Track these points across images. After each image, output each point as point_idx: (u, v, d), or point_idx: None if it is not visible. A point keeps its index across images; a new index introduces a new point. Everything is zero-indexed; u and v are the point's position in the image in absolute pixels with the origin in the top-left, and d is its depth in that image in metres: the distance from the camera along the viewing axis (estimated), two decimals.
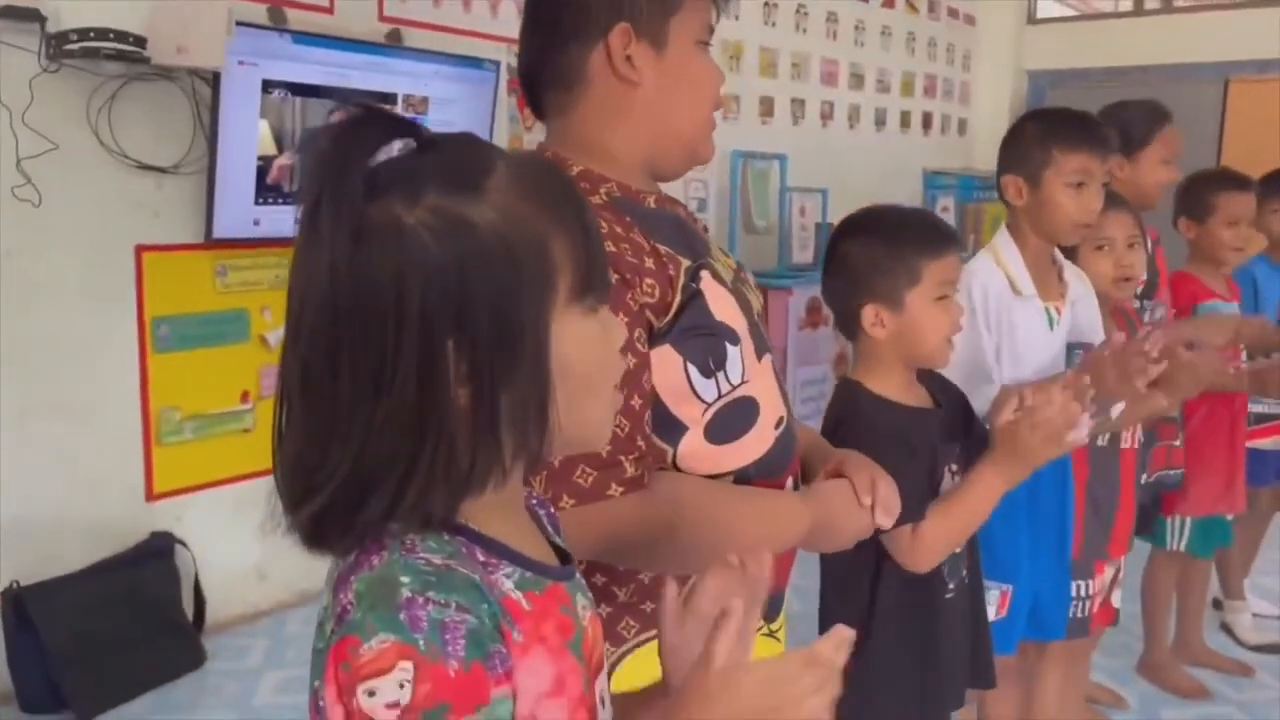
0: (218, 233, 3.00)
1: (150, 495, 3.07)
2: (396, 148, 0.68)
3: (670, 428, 1.07)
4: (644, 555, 1.05)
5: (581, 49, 1.10)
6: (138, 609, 2.88)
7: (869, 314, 1.48)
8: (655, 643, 0.88)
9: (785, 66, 5.26)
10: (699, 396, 1.07)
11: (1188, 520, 2.74)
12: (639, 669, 1.06)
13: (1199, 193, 2.64)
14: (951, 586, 1.53)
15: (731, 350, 1.08)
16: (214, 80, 2.86)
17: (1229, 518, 2.81)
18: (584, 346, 0.71)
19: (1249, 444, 2.91)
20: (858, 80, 5.78)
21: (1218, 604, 3.28)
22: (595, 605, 0.82)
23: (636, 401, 1.02)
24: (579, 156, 1.11)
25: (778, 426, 1.16)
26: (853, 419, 1.49)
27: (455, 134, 0.71)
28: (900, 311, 1.46)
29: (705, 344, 1.06)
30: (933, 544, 1.44)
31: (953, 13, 6.55)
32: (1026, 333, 1.85)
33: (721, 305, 1.10)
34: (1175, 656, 2.96)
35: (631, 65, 1.10)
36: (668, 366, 1.05)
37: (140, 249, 2.98)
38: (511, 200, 0.68)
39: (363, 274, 0.64)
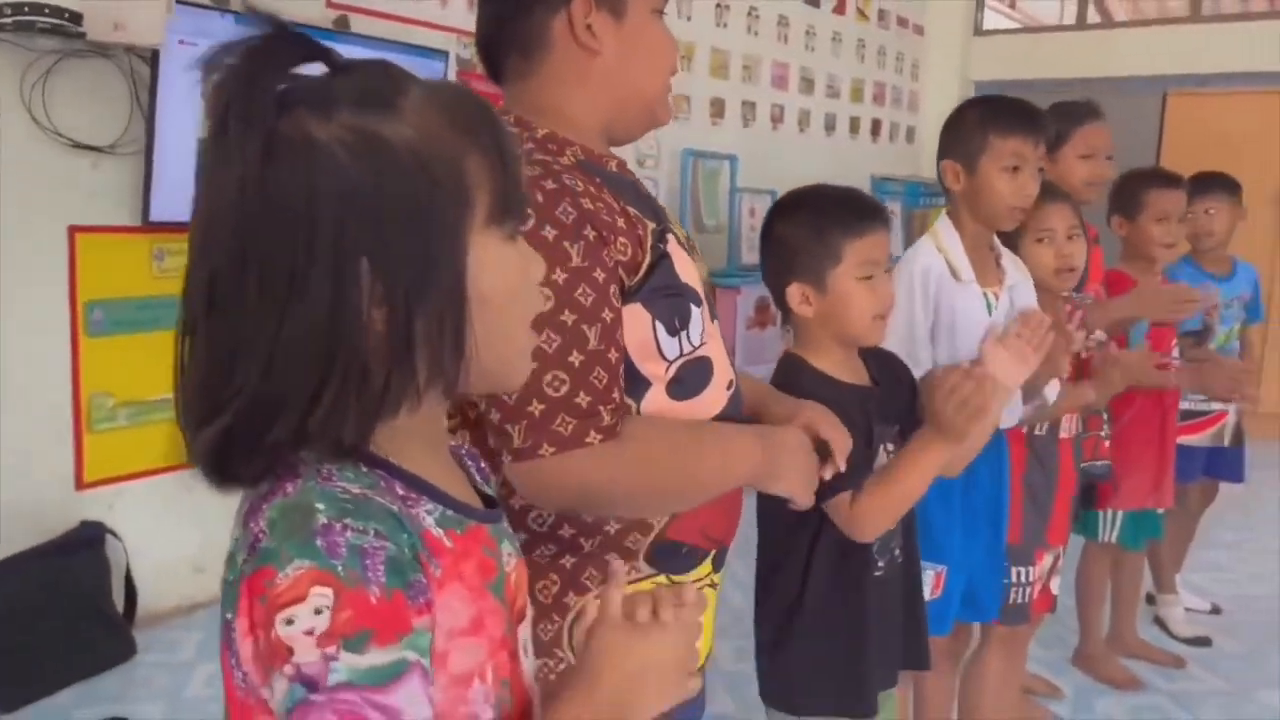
0: (155, 215, 2.94)
1: (80, 483, 2.99)
2: (308, 70, 0.67)
3: (636, 384, 1.10)
4: (619, 502, 1.08)
5: (544, 16, 1.13)
6: (65, 599, 2.80)
7: (795, 294, 1.49)
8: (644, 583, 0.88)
9: (736, 68, 5.29)
10: (663, 354, 1.10)
11: (1119, 513, 2.79)
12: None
13: (1130, 190, 2.69)
14: (880, 565, 1.54)
15: (695, 311, 1.12)
16: (152, 59, 2.80)
17: (1159, 511, 2.86)
18: (502, 273, 0.70)
19: (1177, 440, 2.97)
20: (808, 85, 5.84)
21: (1151, 599, 3.34)
22: (523, 553, 0.81)
23: (614, 355, 1.04)
24: (542, 120, 1.13)
25: (729, 388, 1.19)
26: (793, 391, 1.49)
27: (369, 59, 0.70)
28: (825, 291, 1.48)
29: (672, 304, 1.10)
30: (868, 514, 1.45)
31: (902, 22, 6.64)
32: (965, 317, 1.87)
33: (685, 268, 1.13)
34: (1110, 648, 3.00)
35: (592, 33, 1.13)
36: (636, 324, 1.08)
37: (74, 230, 2.91)
38: (427, 119, 0.67)
39: (274, 188, 0.63)
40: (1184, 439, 2.97)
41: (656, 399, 1.11)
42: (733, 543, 1.28)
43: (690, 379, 1.13)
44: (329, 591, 0.59)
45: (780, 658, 1.54)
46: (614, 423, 1.04)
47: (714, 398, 1.16)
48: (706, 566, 1.21)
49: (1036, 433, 2.10)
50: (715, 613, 1.30)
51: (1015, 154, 1.86)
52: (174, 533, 3.01)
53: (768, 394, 1.40)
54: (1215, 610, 3.39)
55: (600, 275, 1.03)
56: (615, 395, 1.05)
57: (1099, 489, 2.73)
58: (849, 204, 1.51)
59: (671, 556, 1.16)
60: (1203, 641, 3.17)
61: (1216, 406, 3.07)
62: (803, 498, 1.26)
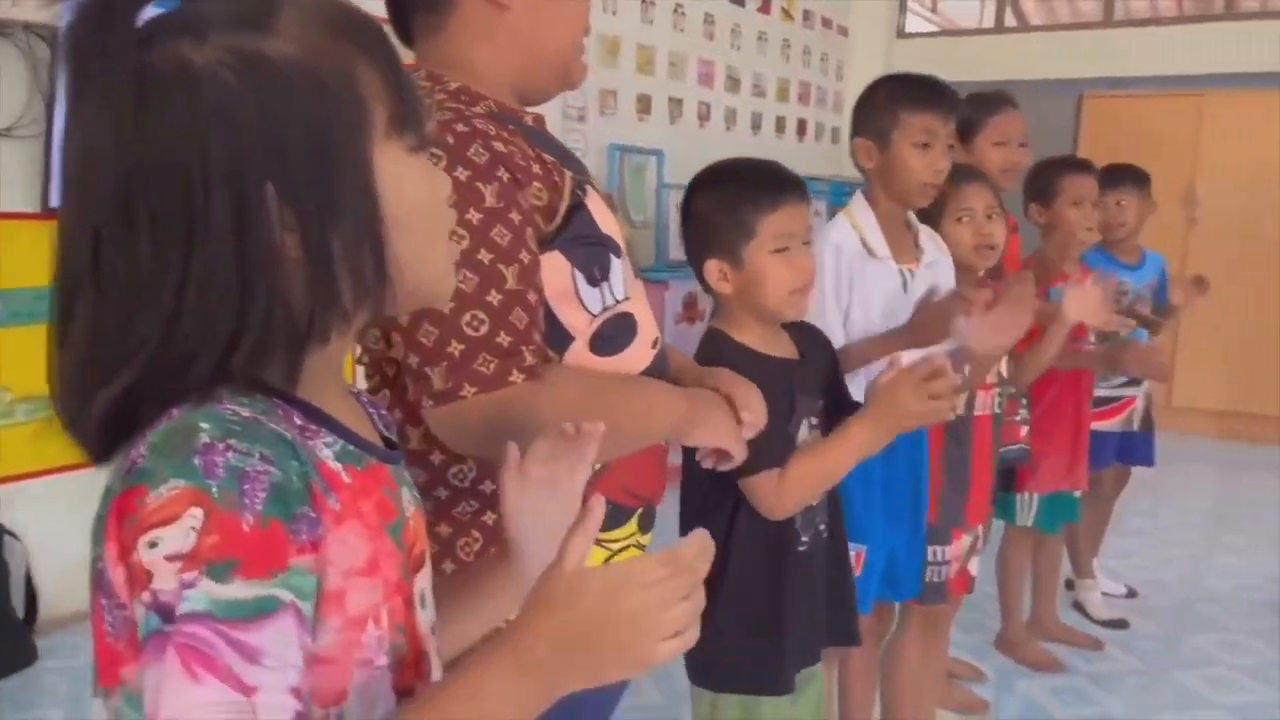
0: (56, 202, 2.81)
1: None
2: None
3: (558, 335, 1.08)
4: None
5: None
6: None
7: (713, 269, 1.48)
8: None
9: (663, 65, 5.28)
10: (585, 306, 1.09)
11: (1035, 496, 2.83)
12: None
13: (1045, 177, 2.74)
14: (805, 540, 1.52)
15: (615, 263, 1.11)
16: (51, 38, 2.69)
17: (1076, 495, 2.92)
18: (411, 186, 0.67)
19: (1090, 426, 3.03)
20: (734, 83, 5.86)
21: (1070, 584, 3.40)
22: (426, 494, 0.77)
23: (533, 296, 1.03)
24: (454, 74, 1.11)
25: (654, 346, 1.18)
26: (716, 365, 1.48)
27: None
28: (741, 267, 1.46)
29: (592, 253, 1.09)
30: (796, 490, 1.44)
31: (826, 23, 6.71)
32: (880, 293, 1.87)
33: (605, 220, 1.13)
34: (1030, 632, 3.05)
35: None
36: (556, 272, 1.06)
37: None
38: (307, 33, 0.63)
39: (154, 126, 0.59)
40: (1096, 425, 3.02)
41: (579, 353, 1.10)
42: (660, 504, 1.26)
43: (614, 334, 1.12)
44: (199, 513, 0.55)
45: (702, 634, 1.51)
46: (536, 364, 1.02)
47: (638, 355, 1.15)
48: (631, 526, 1.19)
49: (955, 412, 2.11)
50: None
51: (926, 130, 1.87)
52: (77, 534, 2.86)
53: (682, 360, 1.38)
54: (1131, 594, 3.47)
55: (516, 217, 1.01)
56: (536, 337, 1.03)
57: (1017, 473, 2.77)
58: (763, 178, 1.49)
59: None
60: (1119, 624, 3.24)
61: (1127, 392, 3.14)
62: (735, 449, 1.23)
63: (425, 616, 0.74)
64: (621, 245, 1.15)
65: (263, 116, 0.60)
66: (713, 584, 1.49)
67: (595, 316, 1.10)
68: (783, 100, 6.33)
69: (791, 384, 1.51)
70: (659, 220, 4.91)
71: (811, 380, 1.55)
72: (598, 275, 1.09)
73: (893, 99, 1.90)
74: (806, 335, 1.60)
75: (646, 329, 1.17)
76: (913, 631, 2.19)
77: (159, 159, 0.59)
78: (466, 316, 0.98)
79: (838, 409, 1.59)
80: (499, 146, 1.02)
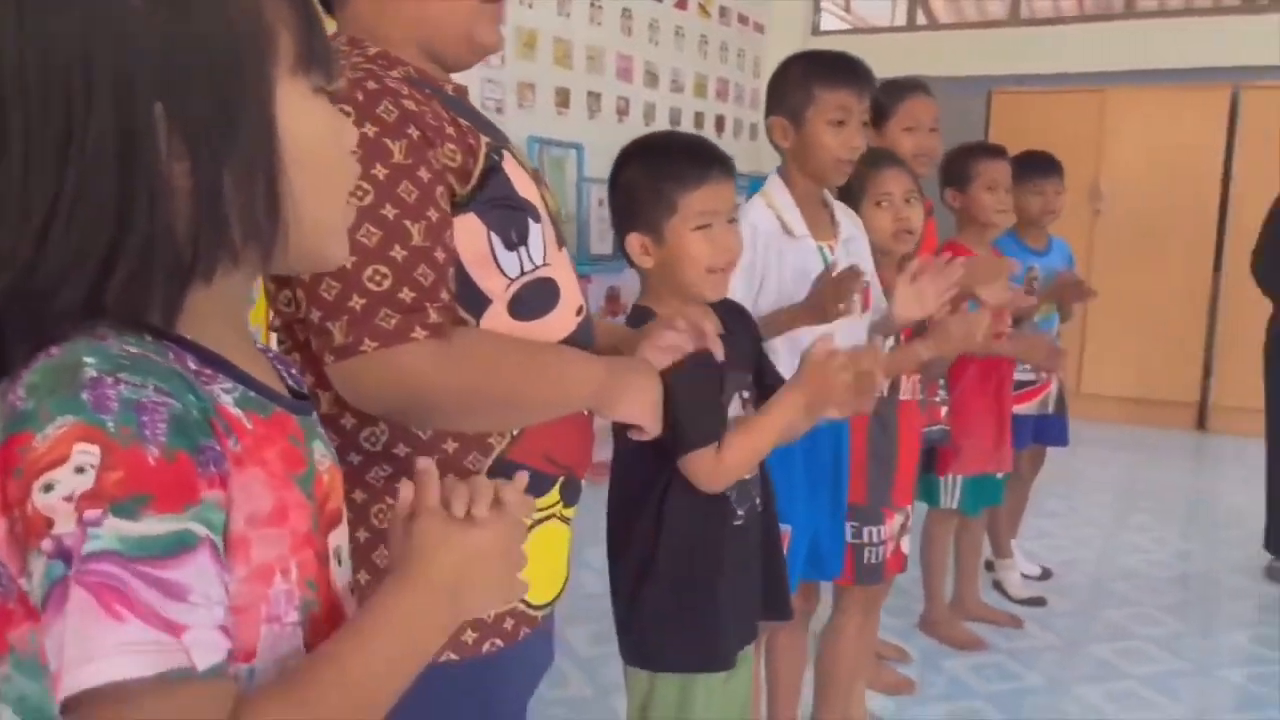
0: None
1: None
2: None
3: (474, 299, 1.07)
4: (446, 406, 1.02)
5: None
6: None
7: (634, 243, 1.47)
8: None
9: (581, 59, 5.25)
10: (502, 270, 1.08)
11: (959, 479, 2.88)
12: None
13: (959, 162, 2.80)
14: (740, 514, 1.52)
15: (534, 227, 1.10)
16: None
17: (999, 476, 2.98)
18: (314, 129, 0.64)
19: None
20: (653, 78, 5.86)
21: (989, 565, 3.47)
22: (339, 459, 0.74)
23: (441, 254, 1.01)
24: (374, 41, 1.10)
25: (579, 314, 1.17)
26: None
27: None
28: (661, 242, 1.45)
29: (508, 216, 1.08)
30: (734, 464, 1.43)
31: (743, 20, 6.76)
32: (799, 272, 1.88)
33: (523, 184, 1.11)
34: (953, 612, 3.10)
35: None
36: (472, 234, 1.05)
37: None
38: None
39: (38, 27, 0.55)
40: (1016, 408, 3.09)
41: (497, 317, 1.08)
42: (585, 476, 1.24)
43: (534, 299, 1.10)
44: (94, 449, 0.51)
45: (637, 613, 1.50)
46: (442, 322, 1.00)
47: (560, 321, 1.14)
48: (554, 495, 1.17)
49: (878, 394, 2.13)
50: (569, 549, 1.26)
51: (840, 107, 1.87)
52: None
53: (616, 329, 1.37)
54: (1046, 575, 3.55)
55: (425, 174, 1.00)
56: (443, 296, 1.01)
57: (939, 455, 2.81)
58: (689, 153, 1.47)
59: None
60: (1037, 602, 3.32)
61: (1043, 376, 3.22)
62: (650, 425, 1.23)
63: (341, 574, 0.72)
64: (543, 211, 1.13)
65: (158, 31, 0.57)
66: (647, 564, 1.49)
67: (513, 280, 1.08)
68: (701, 96, 6.35)
69: (724, 359, 1.50)
70: (580, 214, 4.88)
71: (739, 354, 1.54)
72: (515, 239, 1.08)
73: (806, 76, 1.90)
74: (729, 311, 1.59)
75: (570, 296, 1.16)
76: (851, 612, 2.20)
77: (40, 62, 0.55)
78: (369, 271, 0.96)
79: (763, 384, 1.59)
80: (410, 105, 1.01)
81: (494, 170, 1.07)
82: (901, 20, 7.42)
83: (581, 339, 1.17)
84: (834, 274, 1.75)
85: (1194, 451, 5.73)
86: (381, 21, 1.11)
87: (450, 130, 1.04)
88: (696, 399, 1.42)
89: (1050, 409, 3.30)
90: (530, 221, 1.10)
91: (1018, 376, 3.13)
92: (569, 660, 2.83)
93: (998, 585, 3.41)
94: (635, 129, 5.69)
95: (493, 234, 1.06)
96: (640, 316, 1.50)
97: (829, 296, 1.73)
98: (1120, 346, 6.00)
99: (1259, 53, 5.95)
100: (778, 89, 1.96)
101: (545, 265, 1.11)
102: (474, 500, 0.69)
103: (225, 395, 0.61)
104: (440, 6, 1.12)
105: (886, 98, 2.57)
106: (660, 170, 1.45)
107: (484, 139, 1.08)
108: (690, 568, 1.47)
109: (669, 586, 1.46)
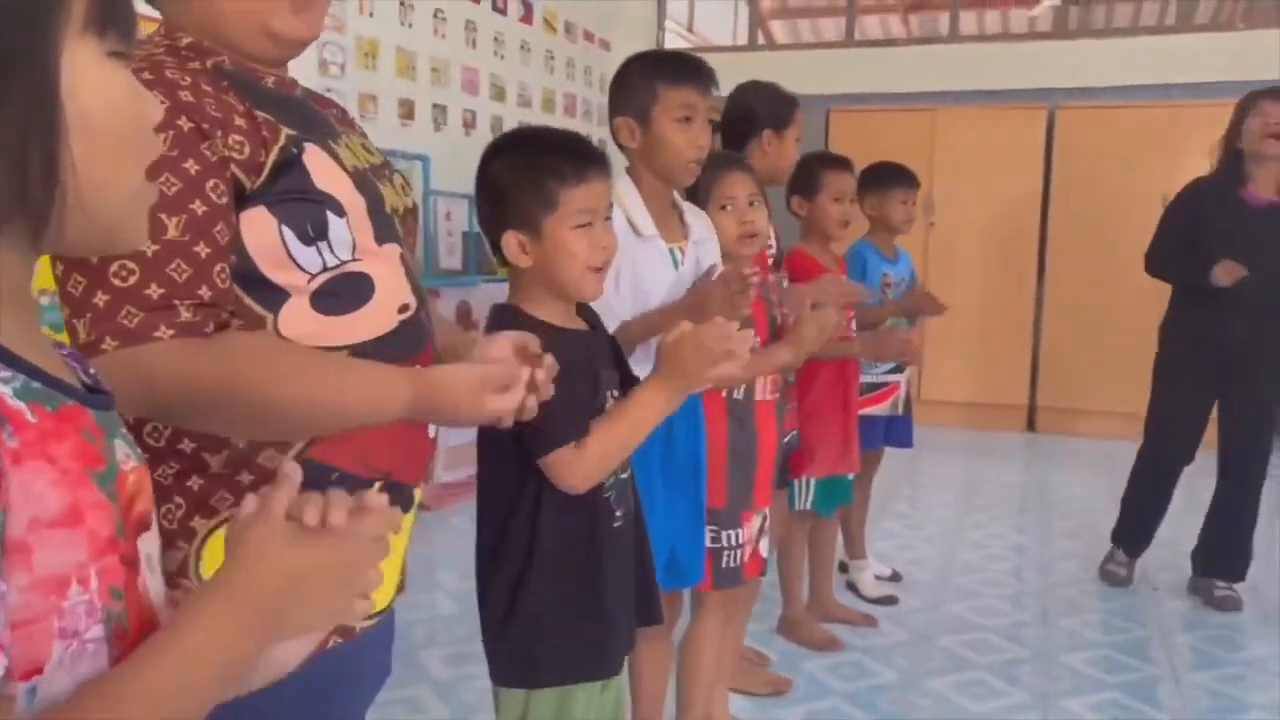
0: None
1: None
2: None
3: (269, 294, 1.04)
4: (200, 409, 0.95)
5: None
6: None
7: (511, 242, 1.41)
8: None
9: (425, 70, 5.15)
10: (299, 265, 1.04)
11: (812, 481, 2.93)
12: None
13: (809, 171, 2.85)
14: (619, 514, 1.48)
15: (335, 221, 1.06)
16: None
17: (850, 477, 3.04)
18: (106, 96, 0.58)
19: (861, 411, 3.18)
20: (499, 91, 5.80)
21: (843, 567, 3.55)
22: (144, 459, 0.67)
23: (204, 250, 0.97)
24: (189, 31, 1.08)
25: (402, 311, 1.13)
26: None
27: None
28: (540, 240, 1.41)
29: (302, 209, 1.04)
30: (597, 459, 1.39)
31: (589, 36, 6.78)
32: (651, 273, 1.86)
33: (327, 178, 1.07)
34: (810, 614, 3.15)
35: None
36: (262, 228, 1.03)
37: None
38: None
39: None
40: (868, 410, 3.19)
41: (298, 311, 1.05)
42: (419, 483, 1.19)
43: (342, 293, 1.07)
44: None
45: (513, 631, 1.43)
46: (197, 321, 0.96)
47: (375, 318, 1.09)
48: None
49: (735, 396, 2.14)
50: (403, 558, 1.22)
51: (686, 104, 1.86)
52: None
53: (462, 345, 1.29)
54: (896, 577, 3.64)
55: (193, 167, 0.97)
56: (203, 294, 0.97)
57: (792, 459, 2.85)
58: (568, 149, 1.43)
59: (318, 483, 1.01)
60: (889, 600, 3.41)
61: (892, 379, 3.32)
62: (486, 415, 1.12)
63: (154, 583, 0.65)
64: (358, 204, 1.08)
65: None
66: (522, 575, 1.42)
67: (314, 275, 1.04)
68: (549, 111, 6.33)
69: (593, 357, 1.47)
70: (427, 228, 4.77)
71: (606, 352, 1.52)
72: (311, 233, 1.04)
73: (650, 75, 1.88)
74: (584, 309, 1.56)
75: (390, 292, 1.11)
76: (710, 618, 2.19)
77: None
78: (114, 266, 0.93)
79: (627, 382, 1.56)
80: (186, 96, 0.98)
81: (290, 163, 1.03)
82: (743, 40, 7.61)
83: (405, 338, 1.12)
84: (715, 276, 1.74)
85: (1025, 451, 6.03)
86: (181, 12, 1.09)
87: (241, 122, 1.02)
88: (556, 396, 1.38)
89: (900, 410, 3.40)
90: (330, 215, 1.05)
91: (868, 379, 3.23)
92: (426, 685, 2.73)
93: (851, 586, 3.48)
94: (483, 142, 5.59)
95: (284, 227, 1.03)
96: (505, 317, 1.44)
97: (719, 302, 1.70)
98: (955, 353, 6.28)
99: (1072, 75, 6.38)
100: (621, 89, 1.93)
101: (355, 260, 1.07)
102: (329, 510, 0.64)
103: (3, 386, 0.54)
104: (228, 5, 1.07)
105: (783, 105, 2.58)
106: (539, 165, 1.40)
107: (285, 132, 1.05)
108: (572, 573, 1.42)
109: (548, 596, 1.41)
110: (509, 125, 5.86)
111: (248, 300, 1.03)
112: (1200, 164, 6.01)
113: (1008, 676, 2.87)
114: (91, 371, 0.69)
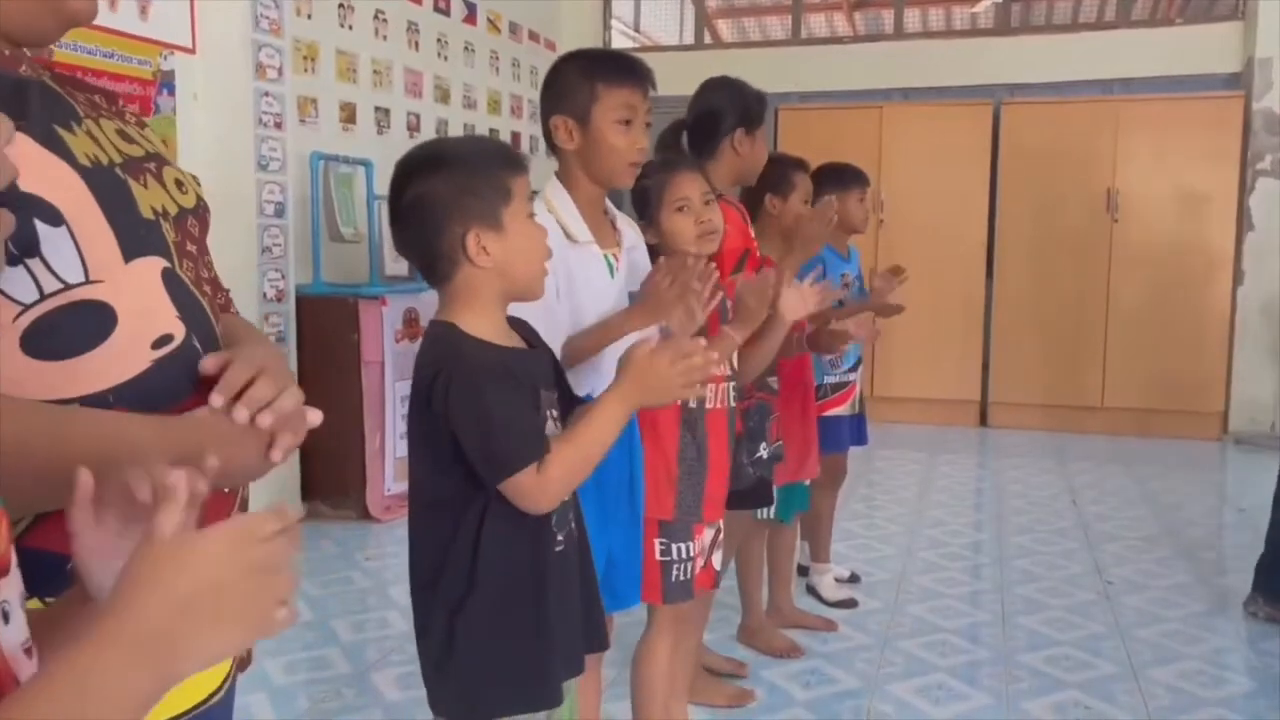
0: None
1: None
2: None
3: None
4: None
5: None
6: None
7: (473, 242, 1.35)
8: None
9: (366, 73, 5.04)
10: (5, 294, 0.83)
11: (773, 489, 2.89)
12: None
13: (784, 171, 2.84)
14: (560, 538, 1.42)
15: (49, 232, 0.85)
16: None
17: (806, 483, 3.01)
18: None
19: (826, 413, 3.16)
20: (444, 93, 5.70)
21: (802, 570, 3.51)
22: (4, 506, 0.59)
23: None
24: None
25: (159, 346, 0.92)
26: (455, 359, 1.35)
27: None
28: (502, 232, 1.36)
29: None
30: (560, 478, 1.34)
31: (534, 36, 6.70)
32: (586, 280, 1.80)
33: (38, 176, 0.85)
34: (769, 620, 3.11)
35: None
36: None
37: None
38: None
39: None
40: (832, 411, 3.18)
41: (4, 354, 0.83)
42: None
43: (68, 329, 0.85)
44: None
45: (453, 662, 1.37)
46: None
47: (115, 360, 0.88)
48: None
49: (689, 405, 2.08)
50: None
51: (627, 105, 1.79)
52: None
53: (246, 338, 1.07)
54: (855, 579, 3.62)
55: None
56: None
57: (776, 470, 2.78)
58: (496, 144, 1.47)
59: (37, 573, 0.75)
60: (849, 604, 3.38)
61: (850, 378, 3.30)
62: (233, 472, 0.92)
63: (12, 634, 0.59)
64: (71, 210, 0.87)
65: None
66: (462, 601, 1.36)
67: (26, 307, 0.84)
68: (495, 113, 6.24)
69: (534, 376, 1.41)
70: (372, 234, 4.66)
71: (546, 370, 1.46)
72: (14, 249, 0.82)
73: (588, 74, 1.81)
74: (521, 327, 1.50)
75: (141, 323, 0.90)
76: (661, 632, 2.13)
77: None
78: None
79: (565, 399, 1.50)
80: None
81: None
82: (690, 39, 7.57)
83: (163, 380, 0.91)
84: (665, 272, 1.69)
85: (978, 446, 6.07)
86: None
87: None
88: (511, 417, 1.32)
89: (857, 409, 3.38)
90: (40, 224, 0.84)
91: (831, 380, 3.20)
92: (377, 709, 2.65)
93: (811, 590, 3.45)
94: None
95: None
96: (446, 337, 1.38)
97: (669, 294, 1.66)
98: (907, 349, 6.29)
99: (1017, 71, 6.42)
100: (556, 88, 1.85)
101: (91, 284, 0.87)
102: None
103: None
104: None
105: (757, 105, 2.53)
106: (482, 160, 1.39)
107: None
108: (514, 601, 1.36)
109: (489, 626, 1.35)
110: (455, 128, 5.77)
111: None
112: (1144, 157, 6.10)
113: (968, 679, 2.85)
114: None
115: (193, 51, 3.79)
